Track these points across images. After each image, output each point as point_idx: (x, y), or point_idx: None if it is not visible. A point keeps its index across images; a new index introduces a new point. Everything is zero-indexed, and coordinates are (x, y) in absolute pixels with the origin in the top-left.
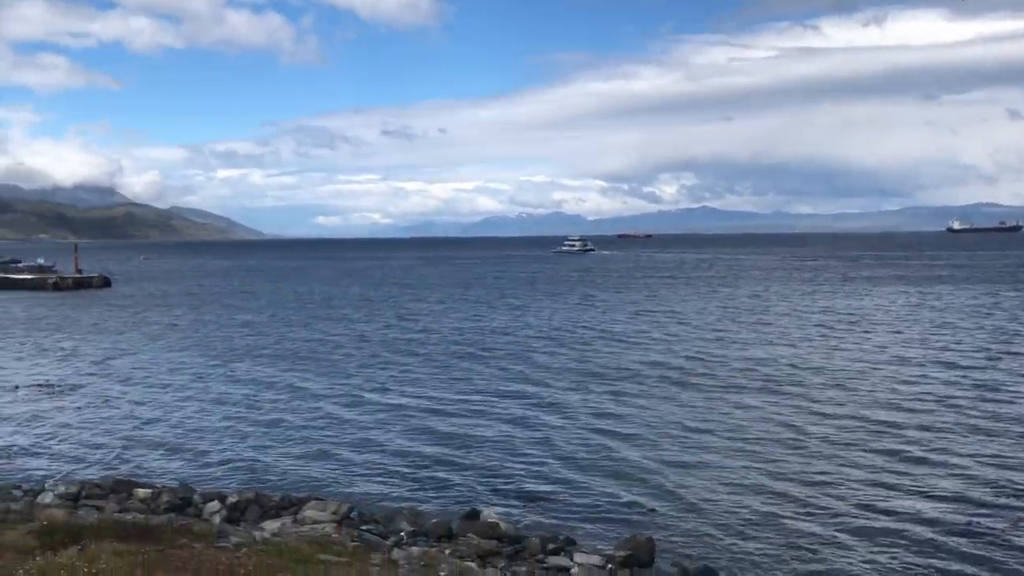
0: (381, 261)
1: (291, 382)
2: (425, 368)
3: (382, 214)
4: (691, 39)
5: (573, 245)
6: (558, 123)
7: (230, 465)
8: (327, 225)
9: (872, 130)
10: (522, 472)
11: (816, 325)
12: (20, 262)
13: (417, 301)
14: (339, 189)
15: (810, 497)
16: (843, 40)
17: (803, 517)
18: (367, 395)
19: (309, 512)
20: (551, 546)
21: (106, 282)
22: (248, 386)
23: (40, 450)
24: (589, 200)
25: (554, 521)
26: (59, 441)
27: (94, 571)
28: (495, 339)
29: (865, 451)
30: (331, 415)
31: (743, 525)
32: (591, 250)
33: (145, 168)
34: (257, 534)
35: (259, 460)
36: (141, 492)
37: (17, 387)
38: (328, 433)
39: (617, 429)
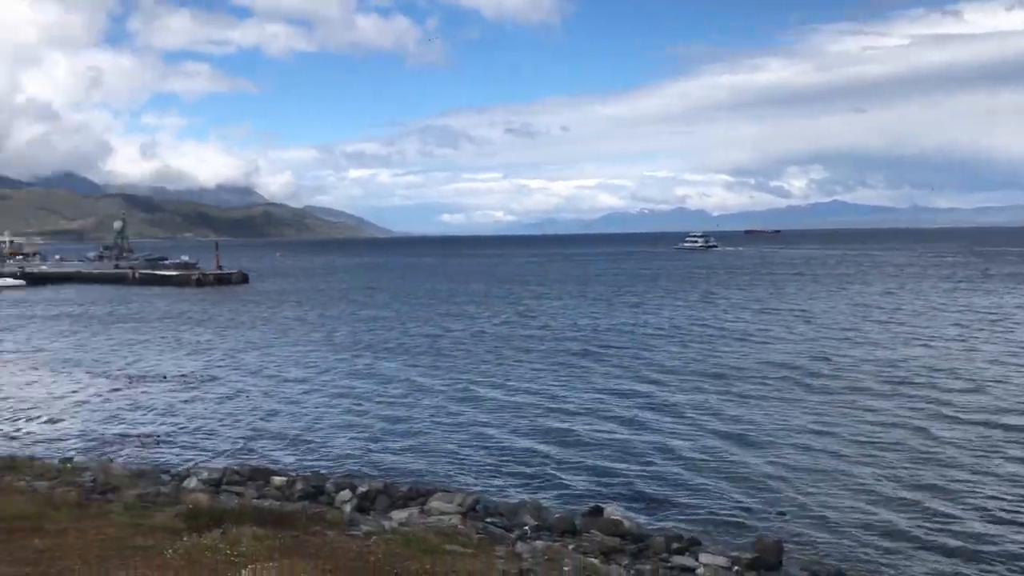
0: (503, 258)
1: (412, 377)
2: (543, 365)
3: (505, 211)
4: (822, 28)
5: (695, 241)
6: (682, 117)
7: (353, 456)
8: (452, 223)
9: (1017, 119)
10: (641, 473)
11: (953, 324)
12: (167, 259)
13: (536, 298)
14: (463, 187)
15: (945, 507)
16: (985, 25)
17: (937, 528)
18: (486, 391)
19: (435, 503)
20: (676, 545)
21: (244, 278)
22: (371, 380)
23: (182, 437)
24: (714, 195)
25: (675, 523)
26: (197, 429)
27: (235, 554)
28: (613, 337)
29: (1005, 459)
30: (451, 410)
31: (874, 534)
32: (714, 246)
33: (280, 169)
34: (386, 523)
35: (381, 452)
36: (277, 480)
37: (164, 377)
38: (448, 428)
39: (739, 432)
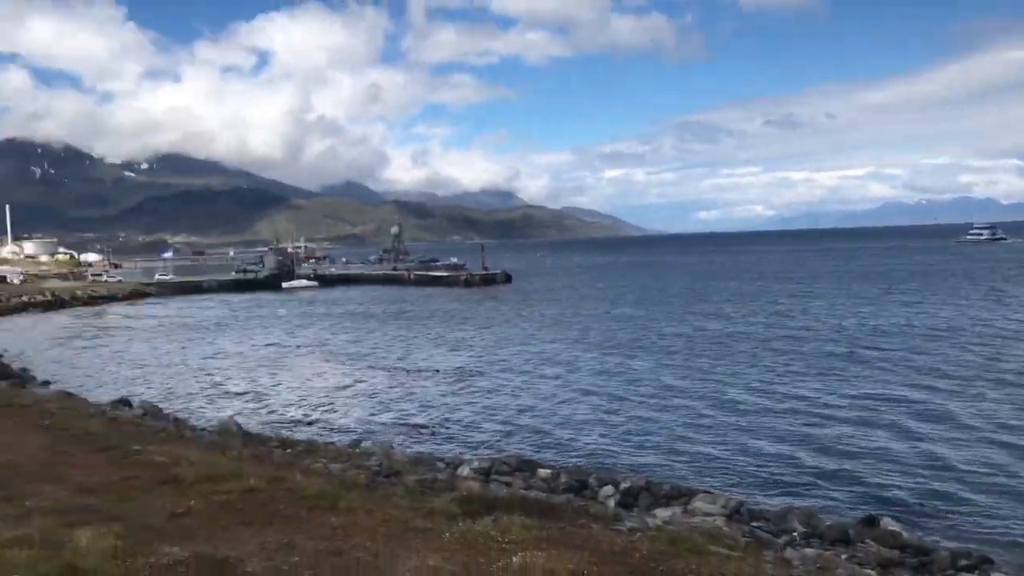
0: (761, 255)
1: (664, 376)
2: (804, 368)
3: (765, 206)
4: None
5: (980, 234)
6: (965, 99)
7: (605, 453)
8: (708, 220)
9: None
10: (915, 484)
11: None
12: (438, 260)
13: (796, 296)
14: (720, 183)
15: None
16: None
17: None
18: (741, 393)
19: (698, 504)
20: (963, 562)
21: (507, 278)
22: (622, 378)
23: (448, 427)
24: (1003, 182)
25: (956, 539)
26: (459, 420)
27: (506, 541)
28: (882, 339)
29: None
30: (704, 412)
31: None
32: (1002, 239)
33: (539, 172)
34: (649, 520)
35: (633, 450)
36: (542, 472)
37: (437, 371)
38: (702, 429)
39: None
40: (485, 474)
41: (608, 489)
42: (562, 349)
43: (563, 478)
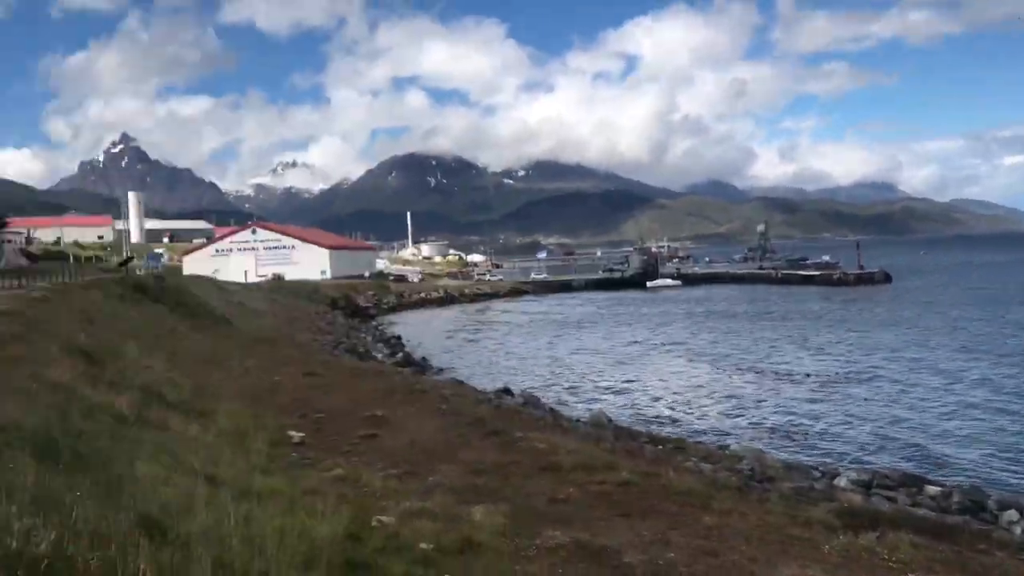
0: None
1: None
2: None
3: None
4: None
5: None
6: None
7: (991, 474)
8: None
9: None
10: None
11: None
12: (807, 259)
13: None
14: None
15: None
16: None
17: None
18: None
19: None
20: None
21: (887, 277)
22: (1012, 392)
23: (817, 435)
24: None
25: None
26: (830, 428)
27: (893, 559)
28: None
29: None
30: None
31: None
32: None
33: (923, 162)
34: None
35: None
36: (931, 489)
37: (807, 375)
38: None
39: None
40: (865, 487)
41: (1012, 514)
42: (944, 357)
43: (955, 497)
